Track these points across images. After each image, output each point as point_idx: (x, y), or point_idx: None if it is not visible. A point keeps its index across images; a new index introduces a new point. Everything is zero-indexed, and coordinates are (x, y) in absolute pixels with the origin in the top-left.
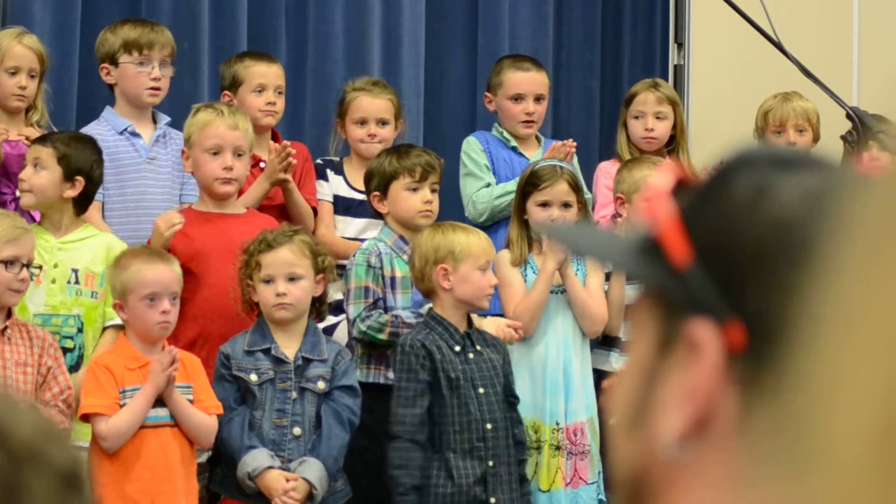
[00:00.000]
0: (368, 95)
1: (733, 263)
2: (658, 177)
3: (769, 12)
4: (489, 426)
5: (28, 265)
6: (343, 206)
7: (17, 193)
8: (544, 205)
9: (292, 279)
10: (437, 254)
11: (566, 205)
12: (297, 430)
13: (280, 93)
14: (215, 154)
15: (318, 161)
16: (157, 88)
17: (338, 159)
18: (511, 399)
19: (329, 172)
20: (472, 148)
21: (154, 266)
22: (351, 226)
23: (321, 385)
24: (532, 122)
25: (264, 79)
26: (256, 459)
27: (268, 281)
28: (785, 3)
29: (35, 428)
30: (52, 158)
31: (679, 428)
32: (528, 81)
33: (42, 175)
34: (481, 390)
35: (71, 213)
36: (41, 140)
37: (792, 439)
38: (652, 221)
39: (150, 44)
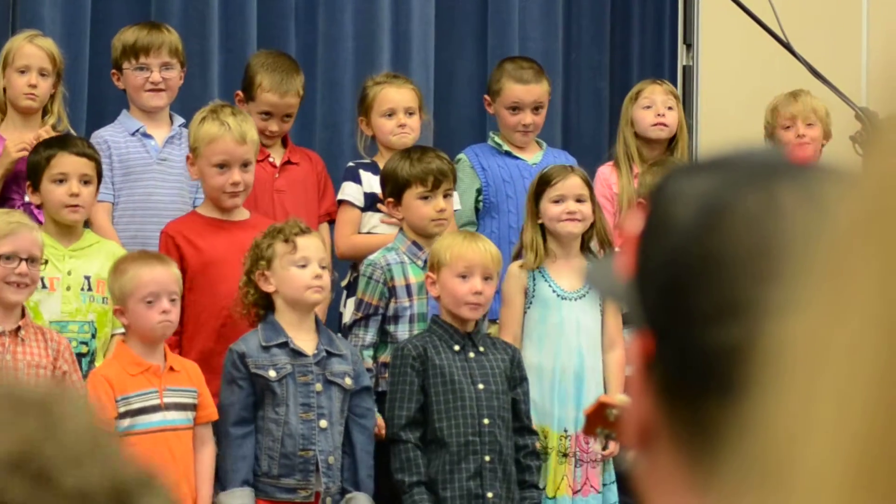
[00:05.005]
0: (393, 86)
1: (646, 270)
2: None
3: (778, 13)
4: (486, 421)
5: (29, 260)
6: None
7: (27, 199)
8: (558, 202)
9: (322, 266)
10: (429, 262)
11: (580, 200)
12: (323, 423)
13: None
14: (222, 167)
15: (351, 163)
16: (159, 90)
17: (370, 160)
18: (524, 429)
19: (362, 173)
20: (461, 169)
21: (151, 267)
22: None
23: (348, 381)
24: (529, 131)
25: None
26: (241, 499)
27: (302, 265)
28: (794, 3)
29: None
30: (95, 172)
31: (630, 435)
32: (525, 93)
33: (91, 189)
34: (481, 386)
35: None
36: (84, 154)
37: (741, 457)
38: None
39: (147, 48)
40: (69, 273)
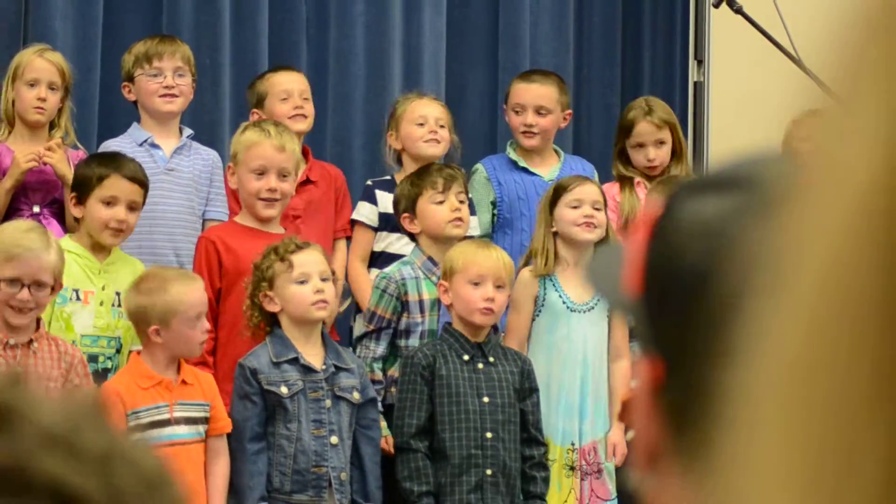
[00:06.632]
0: (425, 99)
1: (655, 297)
2: (650, 204)
3: (789, 29)
4: (489, 435)
5: (35, 286)
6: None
7: (36, 209)
8: (575, 206)
9: (324, 279)
10: (441, 270)
11: (596, 207)
12: (334, 440)
13: (306, 98)
14: (260, 175)
15: (369, 182)
16: (173, 95)
17: (389, 176)
18: (532, 440)
19: (378, 193)
20: (477, 181)
21: (192, 287)
22: (403, 240)
23: (356, 395)
24: (533, 133)
25: (287, 86)
26: None
27: (302, 281)
28: (805, 19)
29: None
30: (142, 198)
31: (639, 455)
32: (527, 92)
33: (136, 215)
34: (486, 399)
35: None
36: (135, 180)
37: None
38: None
39: (160, 54)
40: (103, 288)
